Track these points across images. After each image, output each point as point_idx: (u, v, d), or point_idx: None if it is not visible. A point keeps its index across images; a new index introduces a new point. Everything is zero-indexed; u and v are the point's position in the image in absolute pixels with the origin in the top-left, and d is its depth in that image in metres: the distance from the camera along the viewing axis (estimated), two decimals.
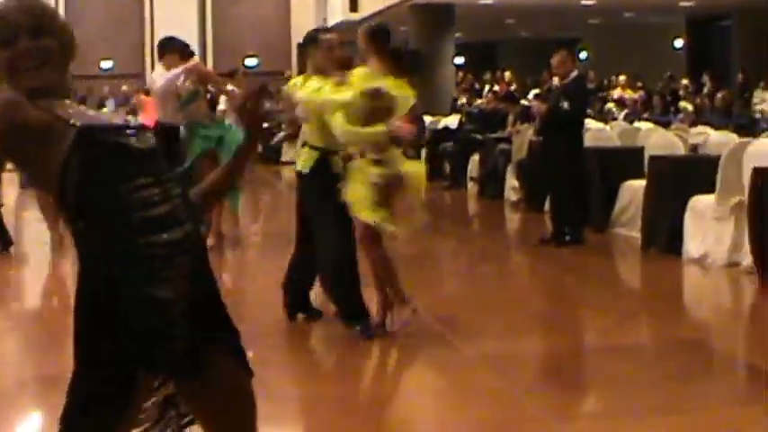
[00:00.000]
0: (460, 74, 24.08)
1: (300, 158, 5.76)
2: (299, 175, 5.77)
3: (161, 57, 9.03)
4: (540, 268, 8.49)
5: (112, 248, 2.29)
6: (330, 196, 5.48)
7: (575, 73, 9.06)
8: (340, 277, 5.59)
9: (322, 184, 5.60)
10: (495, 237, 10.65)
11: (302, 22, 29.30)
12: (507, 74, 21.99)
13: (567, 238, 8.99)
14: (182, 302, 2.33)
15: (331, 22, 25.68)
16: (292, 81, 6.02)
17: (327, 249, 5.56)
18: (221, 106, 10.41)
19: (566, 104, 8.83)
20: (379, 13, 21.07)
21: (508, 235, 11.27)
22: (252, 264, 9.09)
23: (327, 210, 5.53)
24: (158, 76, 8.96)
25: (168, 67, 8.80)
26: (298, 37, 29.91)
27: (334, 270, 5.58)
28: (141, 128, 2.41)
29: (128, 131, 2.35)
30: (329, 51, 5.75)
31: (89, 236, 2.31)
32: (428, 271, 8.23)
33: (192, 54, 9.24)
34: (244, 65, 27.89)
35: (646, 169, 9.01)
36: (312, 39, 5.81)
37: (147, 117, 11.48)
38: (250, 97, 2.59)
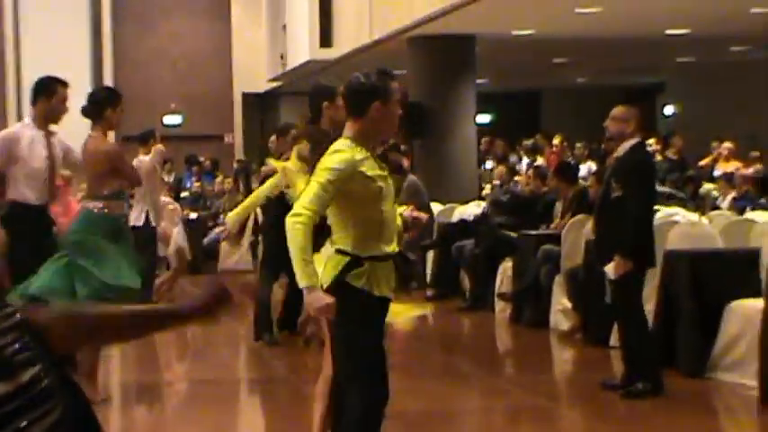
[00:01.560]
0: (485, 139, 24.25)
1: None
2: None
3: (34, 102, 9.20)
4: None
5: None
6: None
7: (634, 140, 9.16)
8: None
9: None
10: (538, 384, 10.63)
11: (249, 62, 29.70)
12: (557, 140, 22.04)
13: (640, 386, 8.99)
14: None
15: (292, 63, 25.97)
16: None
17: None
18: None
19: (616, 191, 8.98)
20: (365, 48, 21.33)
21: (556, 381, 11.30)
22: (173, 428, 8.98)
23: None
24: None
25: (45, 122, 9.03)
26: (243, 83, 30.28)
27: None
28: None
29: None
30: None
31: None
32: None
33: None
34: (162, 124, 28.17)
35: (764, 284, 9.11)
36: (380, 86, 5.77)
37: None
38: (216, 301, 2.83)
